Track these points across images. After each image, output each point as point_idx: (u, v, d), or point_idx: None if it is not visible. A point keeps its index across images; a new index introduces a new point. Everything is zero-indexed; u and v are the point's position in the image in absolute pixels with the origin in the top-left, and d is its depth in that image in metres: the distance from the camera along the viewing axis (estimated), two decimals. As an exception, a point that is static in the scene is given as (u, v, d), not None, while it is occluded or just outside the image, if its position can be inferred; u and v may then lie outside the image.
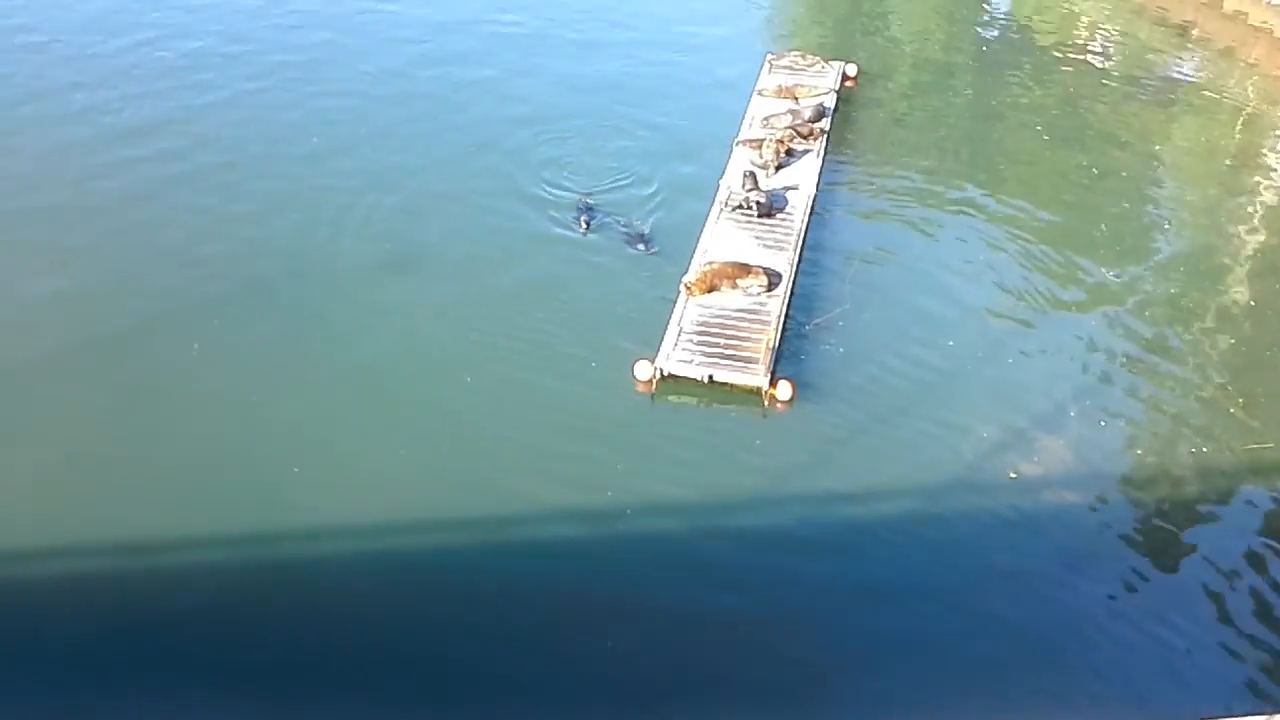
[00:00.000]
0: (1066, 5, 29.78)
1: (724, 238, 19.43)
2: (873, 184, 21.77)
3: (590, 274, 18.42)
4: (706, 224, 19.70)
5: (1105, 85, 26.05)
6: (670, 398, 16.31)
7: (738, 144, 22.14)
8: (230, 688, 12.15)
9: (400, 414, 15.59)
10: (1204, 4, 28.92)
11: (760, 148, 21.68)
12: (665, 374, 16.47)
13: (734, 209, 20.07)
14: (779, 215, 20.14)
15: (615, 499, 14.43)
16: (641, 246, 19.06)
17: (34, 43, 24.27)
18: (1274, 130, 24.54)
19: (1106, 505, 15.03)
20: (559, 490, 14.53)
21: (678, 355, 16.70)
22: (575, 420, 15.58)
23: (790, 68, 25.34)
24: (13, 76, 23.01)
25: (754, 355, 16.67)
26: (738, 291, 17.95)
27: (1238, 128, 24.52)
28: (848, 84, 25.18)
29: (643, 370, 16.38)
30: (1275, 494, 15.32)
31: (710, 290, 17.92)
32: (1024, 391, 16.64)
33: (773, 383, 16.26)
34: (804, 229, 19.87)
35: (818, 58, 25.69)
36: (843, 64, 25.50)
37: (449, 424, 15.49)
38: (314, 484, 14.43)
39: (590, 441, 15.25)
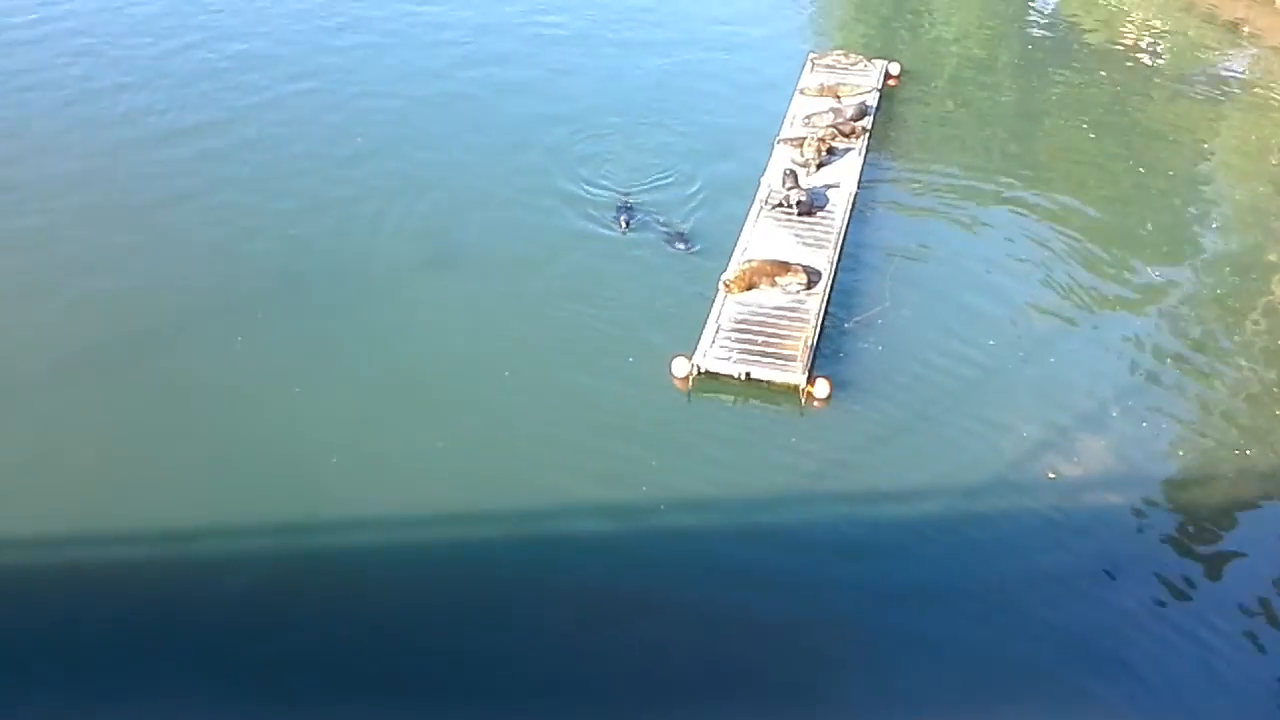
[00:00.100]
0: (1114, 2, 29.37)
1: (764, 236, 19.39)
2: (915, 182, 21.61)
3: (629, 272, 18.46)
4: (746, 222, 19.67)
5: (1153, 83, 25.67)
6: (707, 395, 16.29)
7: (779, 142, 22.08)
8: (263, 676, 12.33)
9: (439, 408, 15.72)
10: (1255, 0, 28.40)
11: (801, 146, 21.61)
12: (702, 371, 16.46)
13: (774, 207, 20.02)
14: (819, 213, 20.05)
15: (649, 495, 14.43)
16: (681, 245, 19.06)
17: (84, 45, 24.71)
18: (1326, 128, 24.07)
19: (1148, 507, 14.81)
20: (593, 485, 14.58)
21: (715, 352, 16.69)
22: (611, 416, 15.62)
23: (832, 66, 25.23)
24: (62, 78, 23.45)
25: (792, 353, 16.62)
26: (777, 289, 17.90)
27: (1289, 126, 24.09)
28: (890, 82, 25.02)
29: (680, 367, 16.38)
30: (1323, 498, 15.06)
31: (749, 288, 17.89)
32: (1065, 391, 16.43)
33: (810, 380, 16.20)
34: (844, 227, 19.77)
35: (860, 56, 25.56)
36: (886, 62, 25.34)
37: (486, 419, 15.58)
38: (352, 474, 14.59)
39: (626, 438, 15.28)
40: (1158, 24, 28.41)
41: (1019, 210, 20.71)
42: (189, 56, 24.57)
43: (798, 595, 13.52)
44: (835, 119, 22.56)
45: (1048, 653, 13.02)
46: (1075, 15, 28.77)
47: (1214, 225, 20.79)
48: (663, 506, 14.36)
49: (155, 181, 20.23)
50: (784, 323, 17.31)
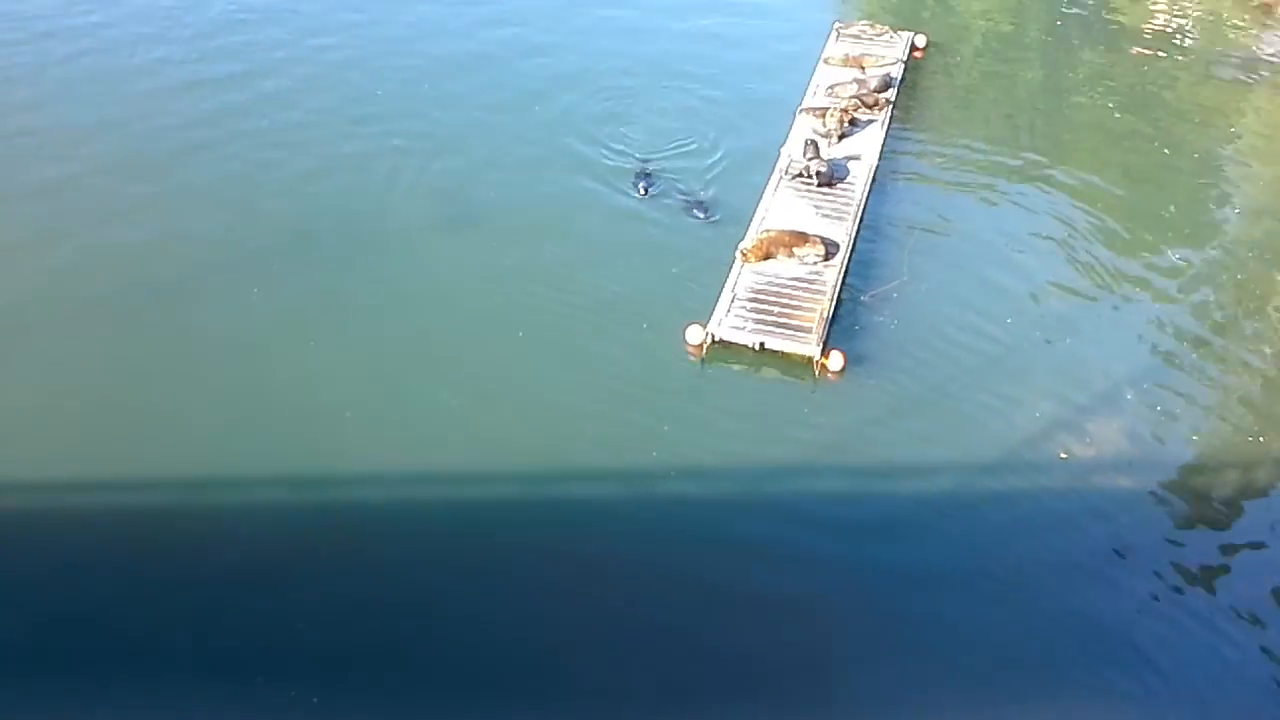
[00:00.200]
0: (1146, -20, 29.03)
1: (783, 206, 19.29)
2: (937, 156, 21.45)
3: (646, 238, 18.42)
4: (766, 191, 19.58)
5: (1181, 62, 25.34)
6: (721, 363, 16.29)
7: (801, 112, 21.92)
8: (268, 629, 12.44)
9: (452, 368, 15.77)
10: (1290, -18, 27.99)
11: (824, 116, 21.45)
12: (717, 339, 16.45)
13: (794, 177, 19.91)
14: (839, 185, 19.93)
15: (659, 461, 14.48)
16: (700, 213, 18.99)
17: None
18: (1356, 114, 23.77)
19: (1160, 490, 14.75)
20: (604, 450, 14.63)
21: (730, 321, 16.66)
22: (624, 381, 15.64)
23: (858, 37, 25.01)
24: (82, 25, 23.40)
25: (807, 324, 16.58)
26: (794, 260, 17.83)
27: (1318, 112, 23.80)
28: (916, 54, 24.80)
29: (694, 335, 16.36)
30: (1337, 485, 14.98)
31: (766, 258, 17.83)
32: (1081, 370, 16.37)
33: (824, 352, 16.16)
34: (864, 199, 19.66)
35: (886, 27, 25.33)
36: (912, 34, 25.11)
37: (499, 379, 15.62)
38: (365, 429, 14.69)
39: (638, 403, 15.30)
40: (1188, 3, 28.02)
41: (1041, 187, 20.55)
42: (210, 8, 24.52)
43: (803, 570, 13.51)
44: (859, 90, 22.38)
45: (1057, 636, 13.00)
46: (1106, -7, 28.41)
47: (1237, 209, 20.60)
48: (672, 473, 14.40)
49: (173, 133, 20.23)
50: (800, 294, 17.26)
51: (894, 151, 21.28)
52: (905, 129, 22.13)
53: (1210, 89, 24.40)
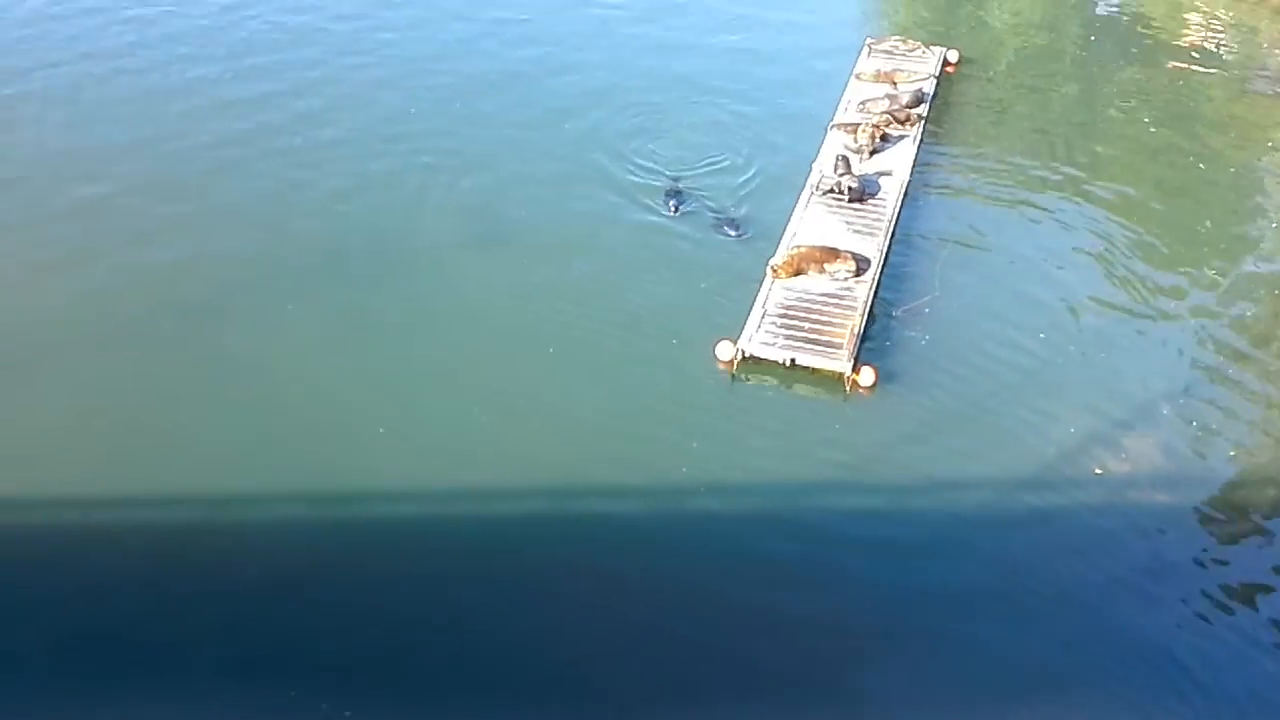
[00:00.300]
0: (1181, -7, 28.84)
1: (813, 221, 19.28)
2: (969, 171, 21.37)
3: (676, 254, 18.43)
4: (796, 207, 19.56)
5: (1217, 76, 25.11)
6: (751, 379, 16.27)
7: (832, 128, 21.91)
8: (296, 644, 12.48)
9: (482, 384, 15.80)
10: (1330, -6, 27.72)
11: (855, 132, 21.43)
12: (747, 355, 16.43)
13: (825, 193, 19.89)
14: (871, 200, 19.90)
15: (689, 477, 14.45)
16: (731, 231, 18.97)
17: (139, 14, 24.88)
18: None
19: (1198, 506, 14.58)
20: (633, 465, 14.62)
21: (760, 337, 16.64)
22: (653, 397, 15.64)
23: (890, 52, 24.98)
24: (117, 46, 23.67)
25: (838, 340, 16.53)
26: (825, 276, 17.80)
27: (1358, 124, 23.48)
28: (949, 70, 24.73)
29: (724, 351, 16.35)
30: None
31: (797, 273, 17.80)
32: (1116, 386, 16.21)
33: (855, 368, 16.11)
34: (896, 214, 19.61)
35: (919, 43, 25.27)
36: (944, 50, 25.05)
37: (528, 395, 15.65)
38: (397, 445, 14.72)
39: (667, 418, 15.30)
40: (1225, 16, 27.77)
41: (1075, 202, 20.41)
42: (244, 28, 24.74)
43: (834, 588, 13.45)
44: (891, 105, 22.35)
45: (1096, 653, 12.84)
46: (1140, 5, 28.21)
47: (1274, 223, 20.34)
48: (702, 489, 14.37)
49: (206, 152, 20.39)
50: (831, 310, 17.22)
51: (926, 166, 21.22)
52: (937, 144, 22.06)
53: (1246, 103, 24.17)
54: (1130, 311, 17.82)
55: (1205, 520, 14.47)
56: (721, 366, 16.30)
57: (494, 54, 24.44)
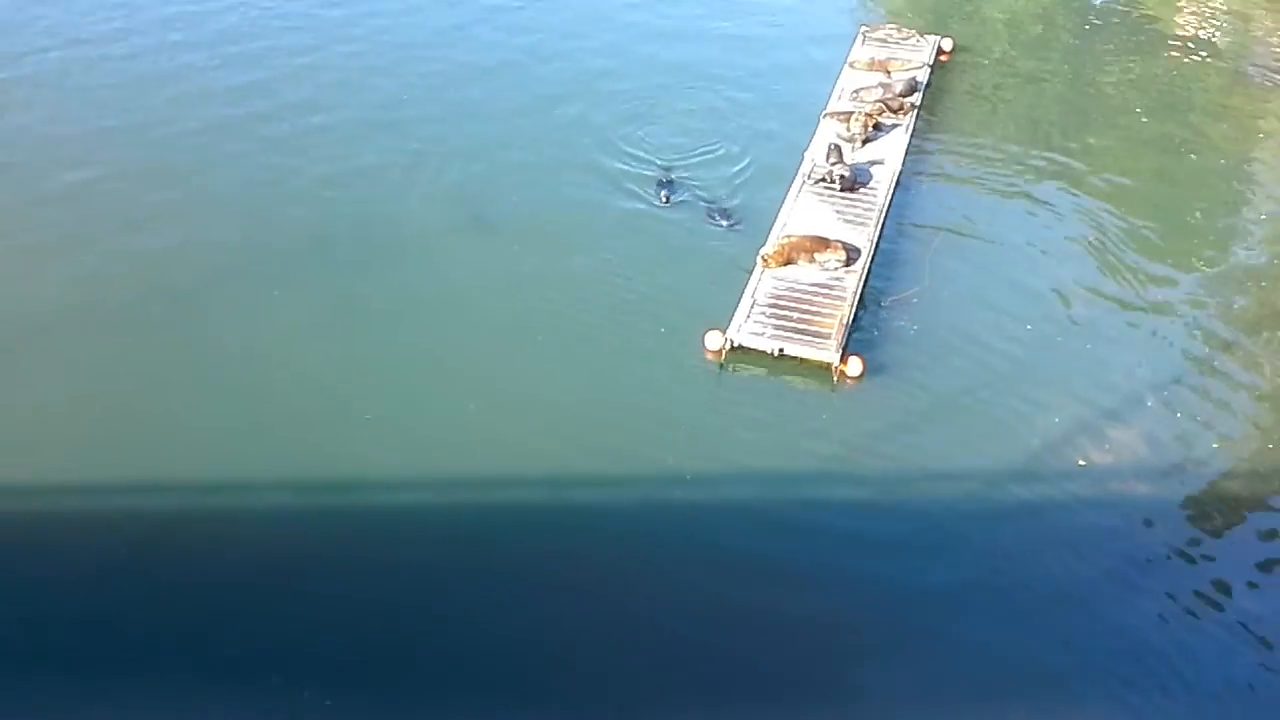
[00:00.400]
0: (1177, -17, 28.78)
1: (804, 211, 19.30)
2: (962, 160, 21.38)
3: (666, 244, 18.44)
4: (788, 196, 19.58)
5: (1211, 68, 25.12)
6: (739, 369, 16.31)
7: (825, 116, 21.90)
8: (283, 634, 12.50)
9: (470, 372, 15.82)
10: (1326, -15, 27.69)
11: (848, 121, 21.42)
12: (735, 345, 16.48)
13: (816, 182, 19.92)
14: (862, 190, 19.91)
15: (675, 466, 14.49)
16: (722, 220, 18.98)
17: (134, 0, 24.86)
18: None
19: (1175, 499, 14.63)
20: (620, 452, 14.65)
21: (749, 327, 16.69)
22: (641, 385, 15.68)
23: (884, 40, 24.96)
24: (110, 34, 23.54)
25: (826, 330, 16.58)
26: (815, 265, 17.84)
27: (1352, 117, 23.52)
28: (943, 59, 24.70)
29: (713, 340, 16.40)
30: (1362, 498, 14.79)
31: (787, 263, 17.83)
32: (1101, 377, 16.26)
33: (844, 358, 16.16)
34: (887, 205, 19.63)
35: (913, 31, 25.24)
36: (938, 38, 25.03)
37: (516, 383, 15.67)
38: (383, 433, 14.74)
39: (655, 406, 15.34)
40: (1219, 6, 27.75)
41: (1063, 196, 20.42)
42: (236, 13, 24.62)
43: (818, 581, 13.39)
44: (884, 94, 22.35)
45: (1083, 648, 12.85)
46: (1135, -5, 28.22)
47: (1264, 214, 20.41)
48: (688, 479, 14.41)
49: (195, 139, 20.31)
50: (820, 300, 17.26)
51: (919, 155, 21.24)
52: (930, 133, 22.07)
53: (1240, 95, 24.18)
54: (1120, 301, 17.87)
55: (1191, 512, 14.51)
56: (710, 356, 16.35)
57: (486, 41, 24.41)
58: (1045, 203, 20.22)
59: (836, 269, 17.79)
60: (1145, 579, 13.68)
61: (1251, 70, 25.09)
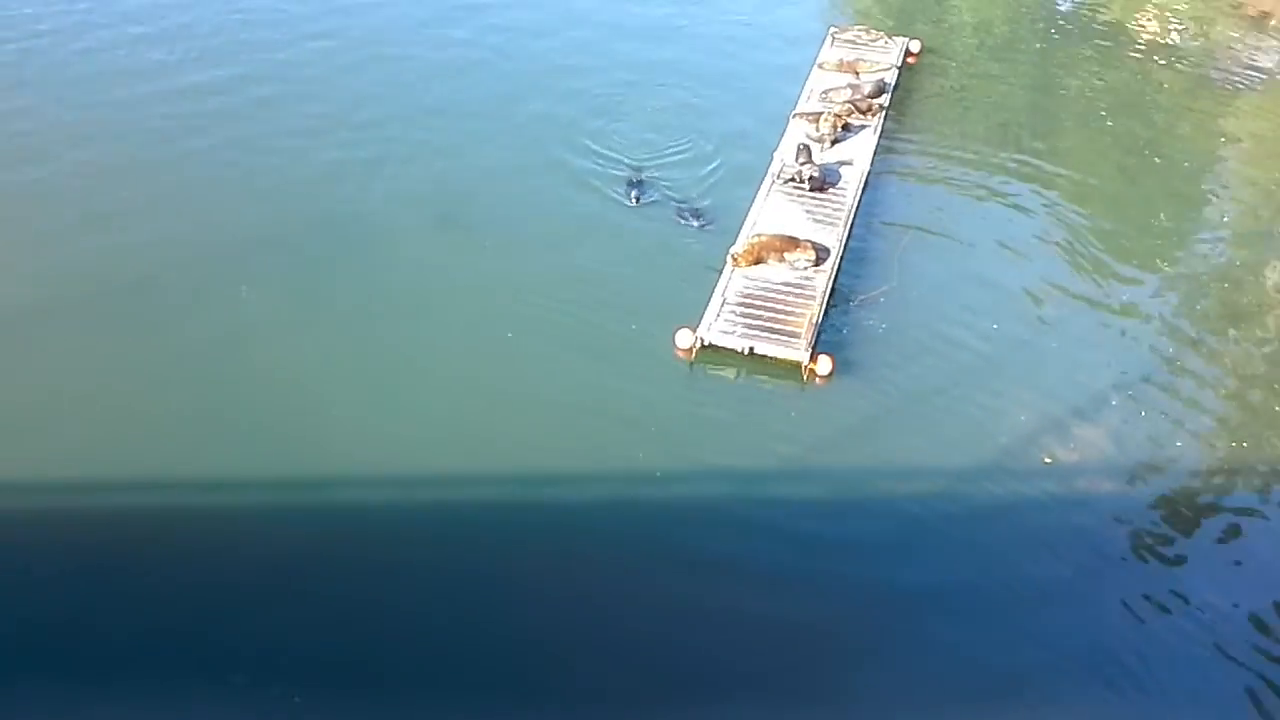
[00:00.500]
0: (1141, -12, 29.16)
1: (774, 210, 19.40)
2: (929, 162, 21.55)
3: (637, 243, 18.44)
4: (757, 196, 19.67)
5: (1173, 72, 25.46)
6: (709, 367, 16.36)
7: (794, 116, 22.02)
8: (255, 632, 12.44)
9: (440, 370, 15.80)
10: (1285, -9, 28.15)
11: (817, 121, 21.55)
12: (706, 344, 16.54)
13: (786, 182, 20.02)
14: (831, 190, 20.04)
15: (645, 463, 14.52)
16: (693, 220, 19.01)
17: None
18: (1348, 125, 23.90)
19: (1140, 496, 14.84)
20: (590, 450, 14.67)
21: (719, 326, 16.75)
22: (612, 382, 15.69)
23: (853, 42, 25.11)
24: (76, 28, 23.25)
25: (796, 329, 16.67)
26: (784, 265, 17.94)
27: (1309, 122, 23.94)
28: (910, 60, 24.89)
29: (684, 339, 16.45)
30: (1317, 495, 15.06)
31: (757, 262, 17.92)
32: (1066, 376, 16.46)
33: (813, 357, 16.26)
34: (856, 205, 19.77)
35: (882, 33, 25.42)
36: (906, 40, 25.22)
37: (488, 379, 15.67)
38: (352, 429, 14.68)
39: (625, 405, 15.36)
40: (1182, 12, 28.14)
41: (1030, 198, 20.63)
42: (203, 8, 24.42)
43: (783, 578, 13.42)
44: (853, 95, 22.50)
45: (1042, 651, 12.96)
46: (1100, 1, 28.51)
47: (1226, 218, 20.73)
48: (658, 475, 14.44)
49: (161, 136, 20.09)
50: (790, 299, 17.36)
51: (887, 156, 21.40)
52: (898, 134, 22.24)
53: (1202, 99, 24.53)
54: (1087, 300, 18.10)
55: (1159, 509, 14.69)
56: (680, 355, 16.40)
57: (456, 39, 24.31)
58: (1012, 202, 20.44)
59: (806, 268, 17.90)
60: (1116, 577, 13.84)
61: (1214, 74, 25.46)
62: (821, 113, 21.76)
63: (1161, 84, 24.92)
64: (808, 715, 12.18)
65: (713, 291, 17.30)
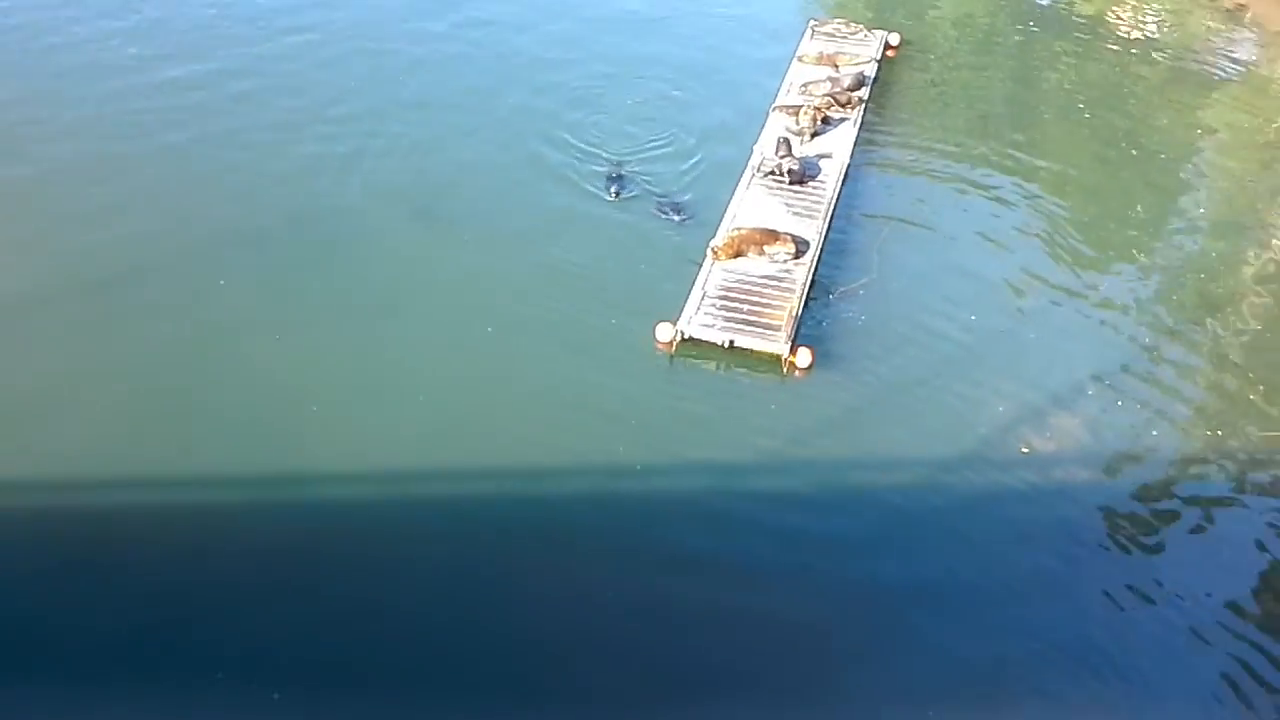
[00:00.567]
0: (1119, -18, 29.26)
1: (754, 203, 19.42)
2: (908, 155, 21.60)
3: (617, 237, 18.43)
4: (737, 189, 19.69)
5: (1151, 64, 25.61)
6: (690, 360, 16.38)
7: (774, 110, 22.05)
8: (226, 628, 12.40)
9: (421, 364, 15.78)
10: (1261, -15, 28.29)
11: (797, 114, 21.58)
12: (686, 337, 16.56)
13: (766, 175, 20.04)
14: (811, 183, 20.08)
15: (627, 455, 14.55)
16: (673, 214, 19.00)
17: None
18: (1322, 116, 24.07)
19: (1116, 484, 14.94)
20: (571, 442, 14.67)
21: (700, 319, 16.77)
22: (592, 376, 15.69)
23: (832, 35, 25.16)
24: (50, 23, 23.05)
25: (776, 322, 16.70)
26: (764, 258, 17.96)
27: (1281, 116, 24.11)
28: (890, 53, 24.95)
29: (664, 332, 16.46)
30: (1289, 483, 15.19)
31: (737, 255, 17.94)
32: (1043, 367, 16.55)
33: (793, 350, 16.30)
34: (835, 197, 19.81)
35: (861, 25, 25.49)
36: (886, 33, 25.27)
37: (468, 373, 15.66)
38: (331, 424, 14.65)
39: (606, 398, 15.37)
40: (1160, 4, 28.27)
41: (1008, 189, 20.72)
42: (175, 4, 24.25)
43: (764, 572, 13.43)
44: (832, 88, 22.53)
45: (1020, 641, 13.01)
46: (1079, -7, 28.67)
47: (1202, 209, 20.87)
48: (639, 468, 14.47)
49: (140, 132, 19.93)
50: (770, 292, 17.39)
51: (866, 149, 21.44)
52: (878, 127, 22.28)
53: (1179, 90, 24.65)
54: (1066, 290, 18.20)
55: (1138, 498, 14.78)
56: (660, 348, 16.41)
57: (437, 34, 24.21)
58: (991, 194, 20.52)
59: (786, 261, 17.93)
60: (1096, 566, 13.92)
61: (1190, 66, 25.59)
62: (801, 106, 21.80)
63: (1139, 76, 25.05)
64: (790, 711, 12.15)
65: (693, 285, 17.31)
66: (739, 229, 18.40)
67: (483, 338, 16.25)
